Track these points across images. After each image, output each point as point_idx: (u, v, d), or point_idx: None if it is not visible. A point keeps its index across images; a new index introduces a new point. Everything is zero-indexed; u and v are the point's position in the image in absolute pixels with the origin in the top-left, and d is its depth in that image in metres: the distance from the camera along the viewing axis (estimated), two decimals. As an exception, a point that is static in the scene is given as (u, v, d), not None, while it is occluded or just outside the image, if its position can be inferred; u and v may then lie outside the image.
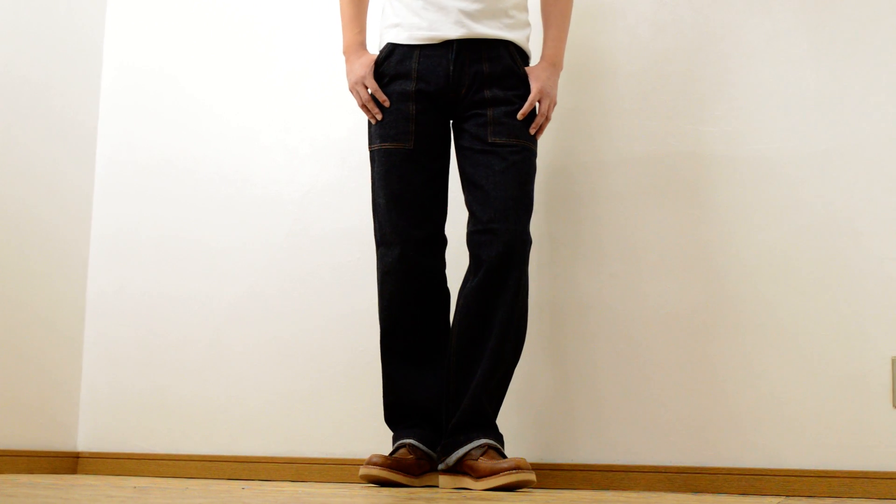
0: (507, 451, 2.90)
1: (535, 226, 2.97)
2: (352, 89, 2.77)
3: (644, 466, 2.78)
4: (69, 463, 3.38)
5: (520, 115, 2.67)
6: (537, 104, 2.71)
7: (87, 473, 3.37)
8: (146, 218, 3.48)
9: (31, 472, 3.23)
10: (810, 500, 2.47)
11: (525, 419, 2.91)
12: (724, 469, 2.71)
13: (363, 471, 2.61)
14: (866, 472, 2.59)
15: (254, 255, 3.32)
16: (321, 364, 3.17)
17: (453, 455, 2.62)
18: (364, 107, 2.75)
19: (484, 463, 2.55)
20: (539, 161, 3.00)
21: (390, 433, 2.94)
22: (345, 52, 2.83)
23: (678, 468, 2.75)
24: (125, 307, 3.45)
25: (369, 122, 2.77)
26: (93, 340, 3.48)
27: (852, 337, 2.65)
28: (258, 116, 3.38)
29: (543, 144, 3.00)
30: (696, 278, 2.81)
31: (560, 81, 3.02)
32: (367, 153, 2.95)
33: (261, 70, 3.40)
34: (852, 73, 2.73)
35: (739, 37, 2.85)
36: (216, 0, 3.51)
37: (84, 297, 3.50)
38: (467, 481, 2.59)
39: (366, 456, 3.03)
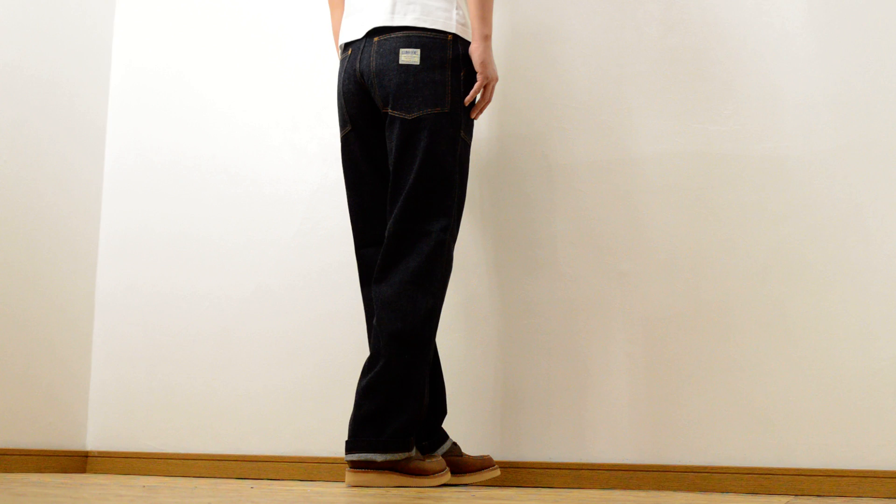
0: (514, 451, 2.91)
1: (543, 224, 2.98)
2: (494, 82, 2.72)
3: (653, 465, 2.77)
4: (78, 462, 3.39)
5: None
6: None
7: (96, 472, 3.38)
8: (155, 216, 3.49)
9: (40, 471, 3.24)
10: (819, 499, 2.47)
11: (533, 418, 2.91)
12: (733, 468, 2.70)
13: (444, 480, 2.65)
14: (875, 472, 2.58)
15: (262, 253, 3.32)
16: (330, 362, 3.17)
17: (440, 449, 2.75)
18: (481, 103, 2.73)
19: (472, 458, 2.75)
20: (545, 160, 3.00)
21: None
22: (489, 41, 2.72)
23: (687, 467, 2.74)
24: (134, 305, 3.46)
25: (467, 113, 2.72)
26: (102, 339, 3.49)
27: (861, 336, 2.65)
28: (267, 115, 3.39)
29: (550, 143, 3.00)
30: (704, 277, 2.81)
31: (566, 80, 3.02)
32: (459, 149, 2.73)
33: (269, 69, 3.41)
34: (861, 72, 2.73)
35: (748, 36, 2.85)
36: (225, 0, 3.52)
37: (93, 295, 3.51)
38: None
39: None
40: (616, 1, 2.98)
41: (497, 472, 2.76)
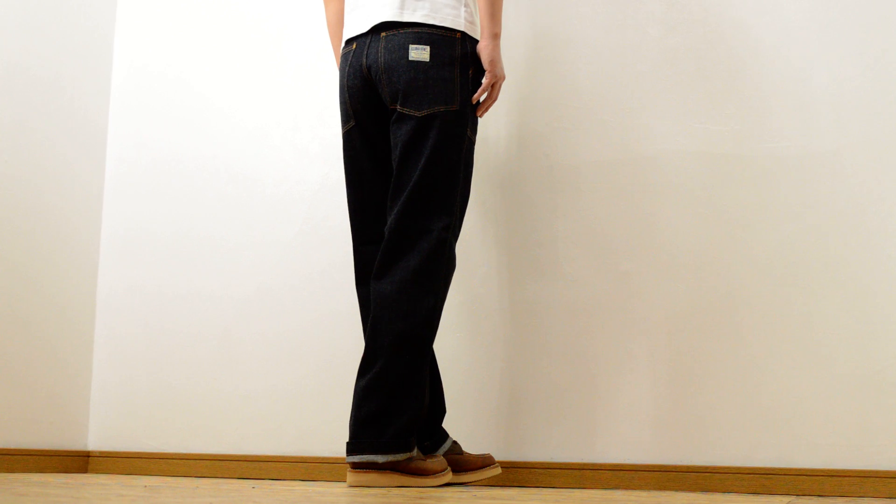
0: (516, 451, 2.91)
1: (545, 224, 2.98)
2: (501, 81, 2.74)
3: (653, 465, 2.77)
4: (80, 462, 3.39)
5: None
6: None
7: (97, 472, 3.38)
8: (156, 216, 3.49)
9: (42, 471, 3.24)
10: (820, 499, 2.47)
11: (535, 418, 2.91)
12: (734, 468, 2.70)
13: (446, 479, 2.66)
14: (876, 472, 2.58)
15: (263, 253, 3.32)
16: (332, 362, 3.18)
17: (441, 448, 2.75)
18: (488, 101, 2.75)
19: (473, 456, 2.74)
20: (548, 160, 3.00)
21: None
22: (498, 40, 2.73)
23: (688, 467, 2.74)
24: (135, 306, 3.46)
25: (474, 111, 2.73)
26: (103, 339, 3.49)
27: (862, 336, 2.65)
28: (268, 115, 3.39)
29: (552, 143, 3.00)
30: (706, 277, 2.81)
31: (567, 80, 3.02)
32: (465, 147, 2.73)
33: (270, 69, 3.41)
34: (862, 72, 2.73)
35: (749, 36, 2.85)
36: (226, 0, 3.52)
37: (94, 295, 3.51)
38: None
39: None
40: (618, 1, 2.98)
41: (498, 471, 2.76)
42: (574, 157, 2.98)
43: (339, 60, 2.86)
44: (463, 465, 2.73)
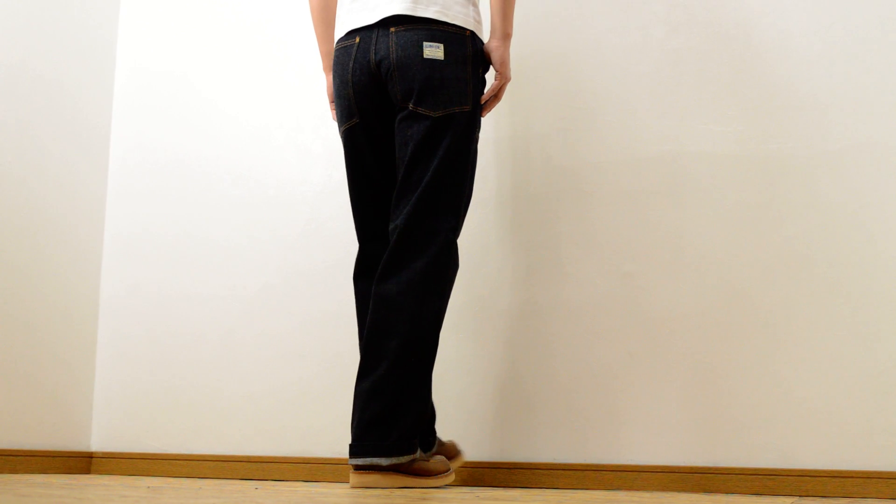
0: (519, 452, 2.91)
1: (548, 225, 2.97)
2: (508, 82, 2.74)
3: (656, 466, 2.77)
4: (83, 463, 3.39)
5: None
6: None
7: (100, 473, 3.38)
8: (159, 218, 3.49)
9: (45, 472, 3.24)
10: (824, 500, 2.46)
11: (536, 419, 2.91)
12: (737, 469, 2.70)
13: (449, 480, 2.69)
14: (880, 472, 2.58)
15: (267, 254, 3.32)
16: (335, 363, 3.18)
17: (433, 449, 2.78)
18: (493, 102, 2.74)
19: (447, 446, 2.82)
20: (549, 160, 3.00)
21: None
22: (509, 40, 2.74)
23: (691, 468, 2.74)
24: (138, 307, 3.47)
25: (479, 112, 2.70)
26: (106, 340, 3.49)
27: (866, 336, 2.65)
28: (271, 116, 3.39)
29: (554, 144, 3.00)
30: (709, 278, 2.80)
31: (570, 80, 3.02)
32: (473, 148, 2.71)
33: (273, 70, 3.41)
34: (865, 73, 2.73)
35: (753, 37, 2.84)
36: (229, 1, 3.52)
37: (97, 296, 3.52)
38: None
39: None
40: (621, 2, 2.98)
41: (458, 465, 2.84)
42: (577, 158, 2.98)
43: (331, 50, 2.79)
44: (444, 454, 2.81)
